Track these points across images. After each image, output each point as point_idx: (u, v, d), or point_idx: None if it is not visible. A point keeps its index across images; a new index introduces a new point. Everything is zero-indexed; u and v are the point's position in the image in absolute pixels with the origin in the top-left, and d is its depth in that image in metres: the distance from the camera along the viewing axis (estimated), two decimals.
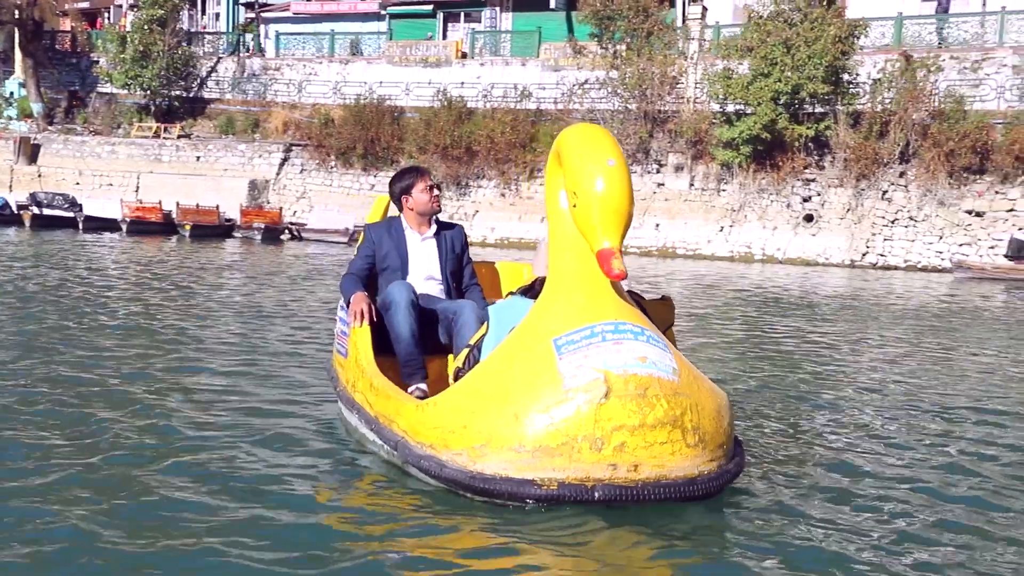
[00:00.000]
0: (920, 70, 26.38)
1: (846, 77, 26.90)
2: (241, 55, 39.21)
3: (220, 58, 39.16)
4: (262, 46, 40.85)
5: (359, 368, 5.02)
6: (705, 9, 31.42)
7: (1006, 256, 23.82)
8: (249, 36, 41.01)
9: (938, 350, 10.18)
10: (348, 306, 5.19)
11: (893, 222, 26.09)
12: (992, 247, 24.70)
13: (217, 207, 30.27)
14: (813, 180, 27.11)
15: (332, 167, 32.59)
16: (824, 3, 26.89)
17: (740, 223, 27.79)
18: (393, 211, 5.74)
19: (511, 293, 4.88)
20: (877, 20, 29.70)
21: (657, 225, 28.12)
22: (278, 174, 33.24)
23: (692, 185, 28.24)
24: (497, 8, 38.07)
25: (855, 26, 26.94)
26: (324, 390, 6.31)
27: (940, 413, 6.62)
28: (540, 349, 4.14)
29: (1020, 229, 24.13)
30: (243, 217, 30.02)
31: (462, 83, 33.31)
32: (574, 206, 4.12)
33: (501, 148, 29.66)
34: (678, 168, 28.44)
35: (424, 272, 5.39)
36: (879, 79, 26.77)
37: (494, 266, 6.14)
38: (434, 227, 5.53)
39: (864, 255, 26.24)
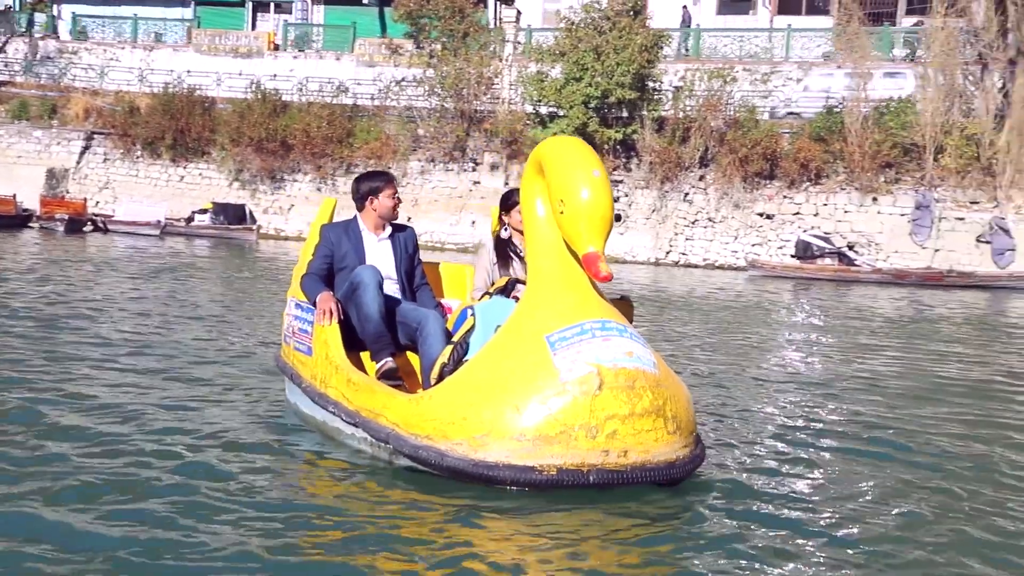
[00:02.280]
0: (716, 80, 27.85)
1: (651, 84, 28.03)
2: (33, 36, 37.12)
3: (7, 39, 36.87)
4: (56, 27, 38.70)
5: (331, 364, 5.07)
6: (519, 12, 32.29)
7: (793, 256, 25.38)
8: (42, 16, 38.78)
9: (737, 337, 11.25)
10: (315, 305, 5.23)
11: (693, 223, 27.38)
12: (781, 247, 26.34)
13: (14, 196, 28.84)
14: (621, 182, 27.97)
15: (138, 157, 31.59)
16: (631, 13, 27.95)
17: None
18: (340, 213, 5.74)
19: (488, 294, 5.09)
20: (678, 31, 31.66)
21: (473, 222, 28.50)
22: (78, 163, 31.93)
23: (507, 184, 28.48)
24: (308, 0, 37.64)
25: (659, 36, 28.19)
26: (254, 384, 6.40)
27: (756, 385, 7.61)
28: (534, 345, 4.28)
29: (805, 231, 25.77)
30: (43, 207, 28.79)
31: (275, 75, 32.90)
32: (561, 213, 4.28)
33: (317, 142, 29.50)
34: (494, 167, 28.94)
35: (381, 272, 5.32)
36: (680, 87, 28.15)
37: (437, 267, 6.24)
38: (389, 229, 5.61)
39: (668, 253, 27.41)
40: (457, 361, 4.71)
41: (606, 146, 27.72)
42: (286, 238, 29.34)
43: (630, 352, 4.31)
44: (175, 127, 30.75)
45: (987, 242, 25.20)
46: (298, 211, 30.17)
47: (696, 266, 26.81)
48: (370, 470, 4.67)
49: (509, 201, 5.63)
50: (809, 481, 4.88)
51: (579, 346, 4.26)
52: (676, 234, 27.56)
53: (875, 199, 26.25)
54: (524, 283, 4.91)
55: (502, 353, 4.38)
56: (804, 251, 25.16)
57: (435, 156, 29.28)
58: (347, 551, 3.68)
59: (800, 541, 4.00)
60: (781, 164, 26.85)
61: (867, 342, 11.45)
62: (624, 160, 28.37)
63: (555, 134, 26.85)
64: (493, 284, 5.33)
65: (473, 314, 4.88)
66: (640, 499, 4.23)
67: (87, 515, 3.90)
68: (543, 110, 28.20)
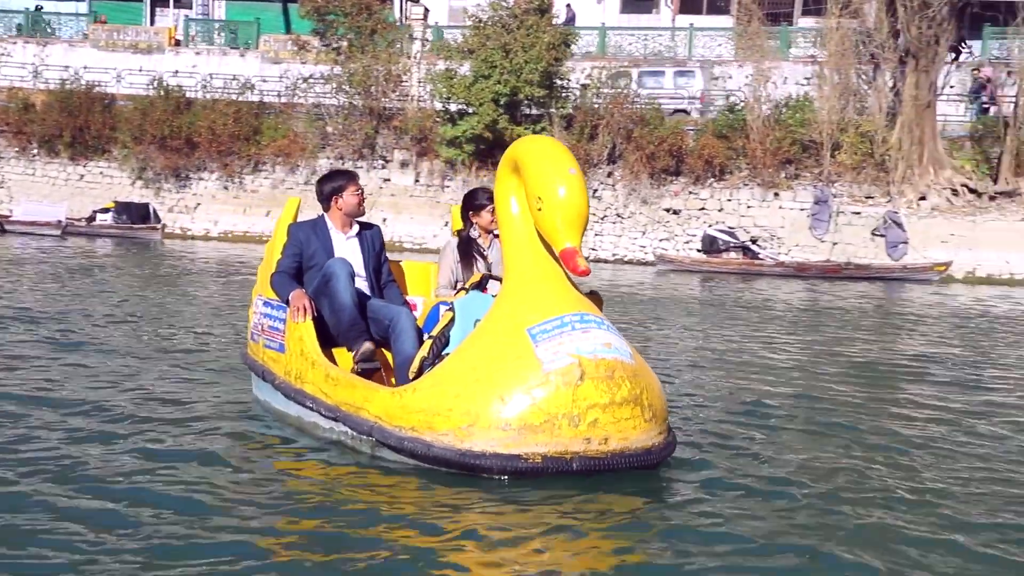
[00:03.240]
0: (622, 79, 28.22)
1: (559, 82, 28.00)
2: None
3: None
4: None
5: (306, 360, 5.12)
6: (427, 10, 32.08)
7: (699, 250, 25.67)
8: None
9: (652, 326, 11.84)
10: (288, 303, 5.28)
11: (603, 218, 27.38)
12: (687, 241, 26.55)
13: None
14: None
15: (35, 155, 30.57)
16: (538, 11, 27.93)
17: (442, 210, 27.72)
18: (304, 212, 5.75)
19: (464, 289, 5.15)
20: (585, 29, 31.79)
21: (384, 220, 27.85)
22: None
23: (417, 181, 28.46)
24: None
25: (567, 34, 28.35)
26: (211, 380, 6.42)
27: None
28: (516, 338, 4.40)
29: (710, 226, 26.01)
30: None
31: (176, 72, 32.20)
32: (539, 210, 4.41)
33: (224, 140, 28.91)
34: (403, 164, 28.59)
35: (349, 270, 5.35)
36: (587, 84, 28.20)
37: (400, 265, 6.26)
38: (356, 227, 5.67)
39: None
40: (437, 355, 4.77)
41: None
42: (192, 237, 28.76)
43: (608, 343, 4.45)
44: (74, 124, 29.80)
45: (881, 235, 25.47)
46: (205, 210, 29.58)
47: (606, 261, 26.75)
48: (350, 462, 4.70)
49: (475, 201, 5.70)
50: (760, 457, 5.22)
51: (560, 338, 4.39)
52: (586, 230, 26.67)
53: (776, 194, 26.52)
54: (497, 279, 5.03)
55: (485, 346, 4.49)
56: (710, 245, 25.38)
57: (344, 154, 28.70)
58: (330, 545, 3.75)
59: (759, 511, 4.31)
60: (687, 161, 26.97)
61: (778, 331, 11.84)
62: None
63: (464, 132, 27.15)
64: (459, 282, 5.41)
65: (450, 309, 4.91)
66: (616, 485, 4.35)
67: (45, 521, 3.91)
68: (452, 107, 27.95)
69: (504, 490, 4.30)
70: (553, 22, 28.56)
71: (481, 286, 5.08)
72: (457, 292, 5.20)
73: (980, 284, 24.02)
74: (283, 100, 30.50)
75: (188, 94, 30.43)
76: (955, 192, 25.90)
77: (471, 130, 27.08)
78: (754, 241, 25.98)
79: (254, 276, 6.18)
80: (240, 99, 30.01)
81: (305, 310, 5.22)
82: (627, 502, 4.29)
